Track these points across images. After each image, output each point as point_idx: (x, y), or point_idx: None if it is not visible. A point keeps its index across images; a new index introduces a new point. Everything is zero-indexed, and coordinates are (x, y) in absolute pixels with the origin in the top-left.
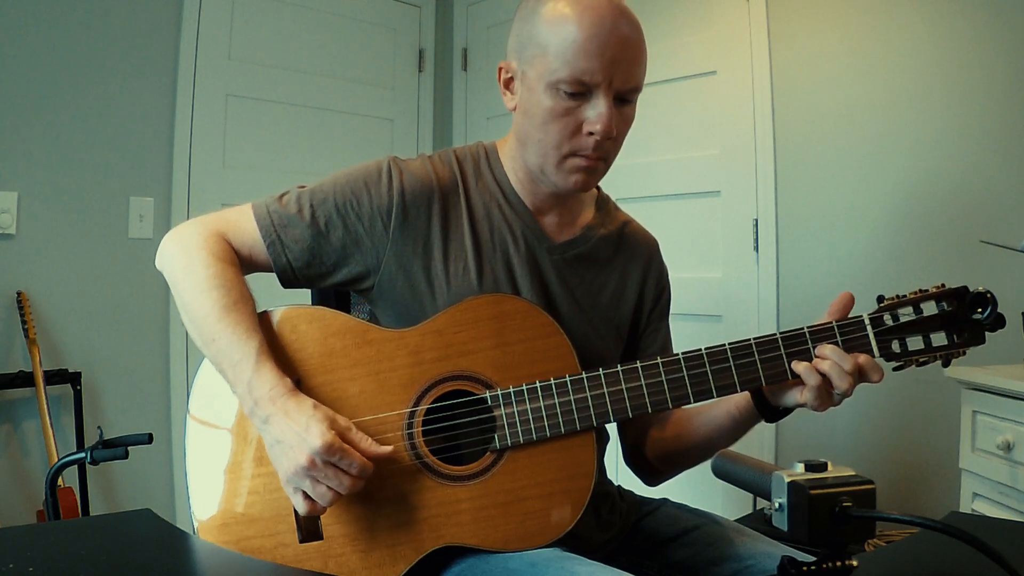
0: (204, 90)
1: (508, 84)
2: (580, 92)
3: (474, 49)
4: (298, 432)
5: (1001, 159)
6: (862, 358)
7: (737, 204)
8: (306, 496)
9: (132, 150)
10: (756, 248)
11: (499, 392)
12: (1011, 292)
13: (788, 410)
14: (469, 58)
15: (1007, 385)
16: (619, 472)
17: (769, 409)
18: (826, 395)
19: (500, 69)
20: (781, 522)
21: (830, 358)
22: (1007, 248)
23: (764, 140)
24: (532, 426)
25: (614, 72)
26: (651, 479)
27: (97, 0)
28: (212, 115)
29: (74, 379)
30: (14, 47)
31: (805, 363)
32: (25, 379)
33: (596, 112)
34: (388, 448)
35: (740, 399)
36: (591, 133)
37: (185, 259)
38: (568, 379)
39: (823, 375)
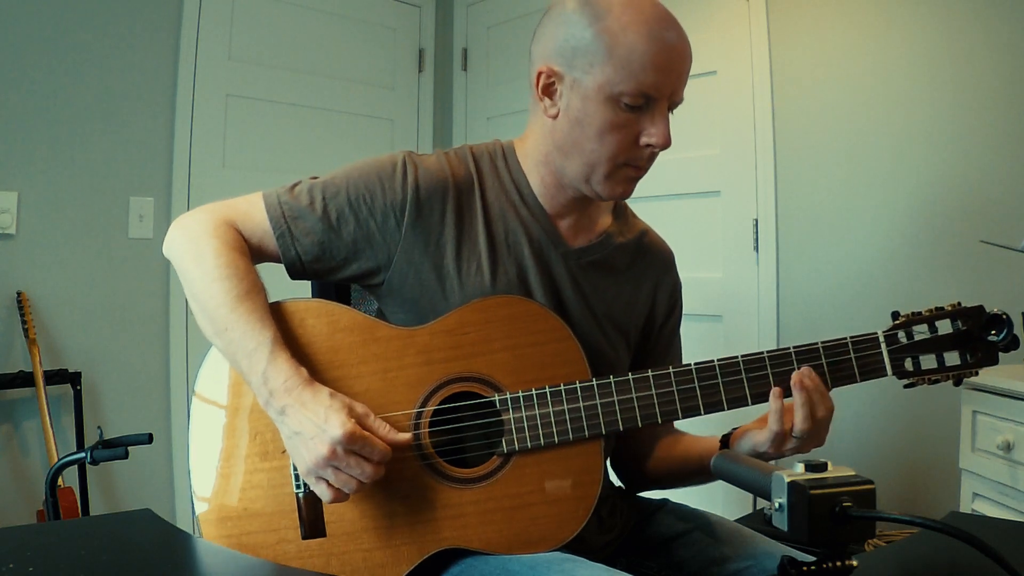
0: (204, 90)
1: (548, 90)
2: (641, 105)
3: (474, 49)
4: (317, 423)
5: (1001, 159)
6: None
7: (737, 204)
8: (329, 485)
9: (132, 150)
10: (756, 248)
11: (508, 396)
12: (1011, 292)
13: None
14: (469, 58)
15: (1007, 385)
16: None
17: None
18: (781, 441)
19: (540, 73)
20: (781, 522)
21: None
22: (1007, 248)
23: (764, 140)
24: (540, 432)
25: (675, 85)
26: (630, 487)
27: (97, 0)
28: (212, 115)
29: (74, 379)
30: (14, 47)
31: (783, 401)
32: (25, 379)
33: (656, 125)
34: (407, 436)
35: (713, 448)
36: (649, 145)
37: (194, 247)
38: (578, 385)
39: (804, 395)
